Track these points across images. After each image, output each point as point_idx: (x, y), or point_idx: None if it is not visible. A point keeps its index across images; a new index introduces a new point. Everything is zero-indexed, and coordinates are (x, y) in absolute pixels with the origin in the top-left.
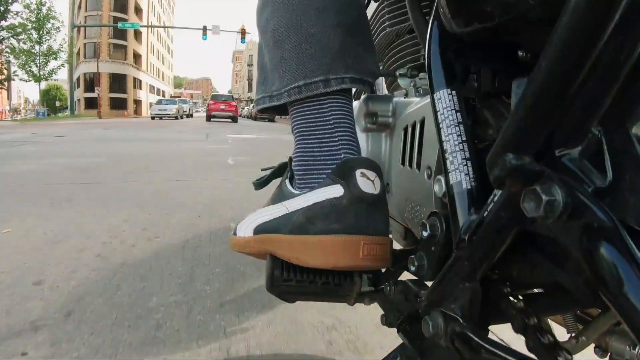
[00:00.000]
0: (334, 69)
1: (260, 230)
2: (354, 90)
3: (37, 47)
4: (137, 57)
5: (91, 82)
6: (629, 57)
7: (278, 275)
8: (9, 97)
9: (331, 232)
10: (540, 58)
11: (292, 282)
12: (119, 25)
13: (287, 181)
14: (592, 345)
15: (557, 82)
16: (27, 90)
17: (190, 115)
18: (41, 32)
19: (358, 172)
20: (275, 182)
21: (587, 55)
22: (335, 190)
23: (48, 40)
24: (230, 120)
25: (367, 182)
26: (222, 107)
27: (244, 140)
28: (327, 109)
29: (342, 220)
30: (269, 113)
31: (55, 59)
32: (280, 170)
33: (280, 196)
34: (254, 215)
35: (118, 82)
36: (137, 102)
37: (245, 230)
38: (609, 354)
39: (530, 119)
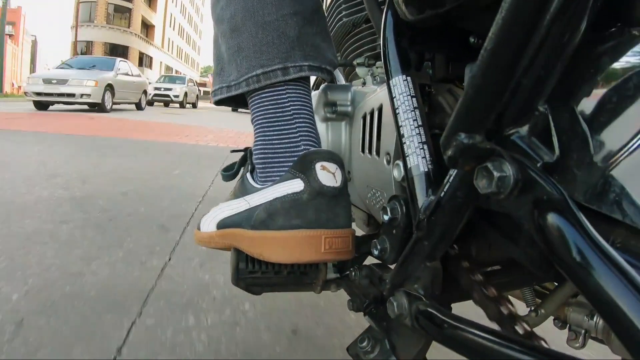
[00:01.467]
0: (292, 57)
1: (222, 225)
2: (313, 80)
3: None
4: (148, 27)
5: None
6: (572, 37)
7: (243, 267)
8: (33, 71)
9: (292, 227)
10: (486, 40)
11: (257, 273)
12: None
13: (248, 174)
14: (552, 318)
15: (502, 62)
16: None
17: (192, 105)
18: None
19: (318, 166)
20: None
21: (531, 35)
22: (296, 185)
23: None
24: None
25: (327, 175)
26: None
27: None
28: (286, 99)
29: (303, 215)
30: (226, 104)
31: None
32: (244, 161)
33: (242, 190)
34: (216, 210)
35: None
36: None
37: (209, 225)
38: (568, 325)
39: (479, 100)
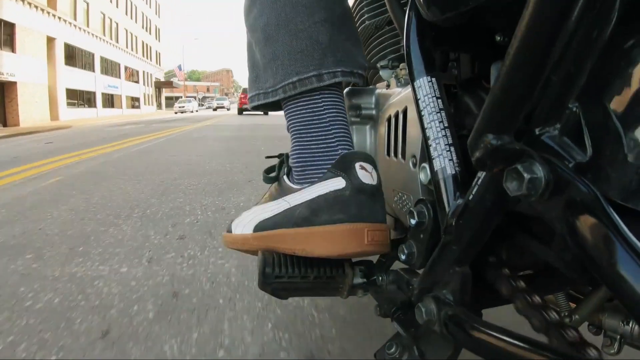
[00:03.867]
0: (325, 63)
1: (261, 227)
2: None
3: None
4: None
5: None
6: (602, 31)
7: (269, 272)
8: None
9: (336, 222)
10: (512, 37)
11: (284, 278)
12: None
13: (285, 177)
14: (586, 323)
15: (530, 60)
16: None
17: None
18: None
19: (357, 165)
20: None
21: (559, 30)
22: (338, 183)
23: None
24: (262, 113)
25: (366, 174)
26: None
27: None
28: (321, 106)
29: (346, 211)
30: (261, 109)
31: None
32: (281, 164)
33: (280, 192)
34: (250, 213)
35: None
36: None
37: (244, 227)
38: (603, 330)
39: (507, 99)
